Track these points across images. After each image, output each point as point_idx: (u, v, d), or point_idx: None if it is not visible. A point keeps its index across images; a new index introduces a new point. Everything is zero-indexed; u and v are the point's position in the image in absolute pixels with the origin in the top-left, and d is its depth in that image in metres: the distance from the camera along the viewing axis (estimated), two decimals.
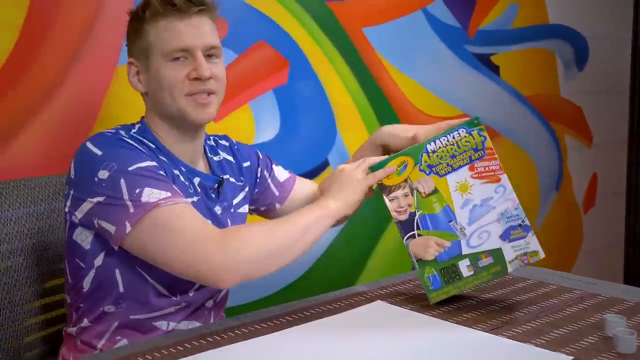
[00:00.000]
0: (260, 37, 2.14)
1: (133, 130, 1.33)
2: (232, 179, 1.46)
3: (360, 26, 2.36)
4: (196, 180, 1.36)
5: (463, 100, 2.68)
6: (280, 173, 1.60)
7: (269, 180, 1.57)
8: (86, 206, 1.22)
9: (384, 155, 1.43)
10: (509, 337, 1.14)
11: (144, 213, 1.16)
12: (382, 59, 2.42)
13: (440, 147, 1.23)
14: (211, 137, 1.52)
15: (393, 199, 1.26)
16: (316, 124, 2.29)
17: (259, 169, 1.55)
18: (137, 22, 1.32)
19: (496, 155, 1.23)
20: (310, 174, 2.23)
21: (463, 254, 1.22)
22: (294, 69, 2.21)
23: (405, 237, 1.25)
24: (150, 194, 1.18)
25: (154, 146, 1.32)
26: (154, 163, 1.24)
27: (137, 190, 1.18)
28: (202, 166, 1.41)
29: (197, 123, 1.33)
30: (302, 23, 2.22)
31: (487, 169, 1.22)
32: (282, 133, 2.20)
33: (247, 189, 1.51)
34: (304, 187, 1.62)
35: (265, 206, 1.58)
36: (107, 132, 1.29)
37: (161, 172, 1.24)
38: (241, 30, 2.09)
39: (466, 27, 2.65)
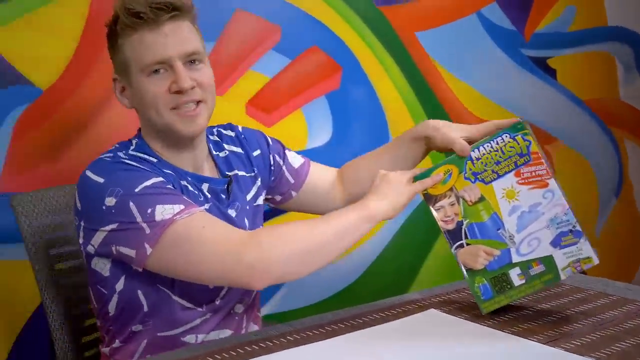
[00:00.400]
0: (313, 42, 2.14)
1: (131, 148, 1.29)
2: (241, 173, 1.40)
3: (413, 30, 2.34)
4: (204, 186, 1.31)
5: (519, 105, 2.63)
6: (294, 159, 1.52)
7: (283, 167, 1.50)
8: (99, 236, 1.18)
9: (424, 149, 1.41)
10: (566, 350, 1.10)
11: (162, 232, 1.13)
12: (435, 63, 2.39)
13: (484, 154, 1.21)
14: (215, 130, 1.45)
15: (439, 209, 1.24)
16: (368, 129, 2.28)
17: (271, 156, 1.48)
18: (112, 37, 1.26)
19: (542, 160, 1.19)
20: None
21: (513, 262, 1.19)
22: (346, 74, 2.21)
23: (454, 247, 1.23)
24: (163, 211, 1.14)
25: (155, 160, 1.28)
26: (160, 178, 1.20)
27: (149, 210, 1.14)
28: (207, 169, 1.35)
29: (187, 136, 1.27)
30: (354, 28, 2.21)
31: (533, 174, 1.18)
32: (334, 138, 2.20)
33: (259, 179, 1.44)
34: (320, 172, 1.54)
35: (280, 195, 1.52)
36: (105, 156, 1.24)
37: (169, 186, 1.20)
38: (294, 36, 2.10)
39: (522, 30, 2.60)
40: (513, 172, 1.19)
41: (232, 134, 1.46)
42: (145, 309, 1.26)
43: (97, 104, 1.79)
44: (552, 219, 1.17)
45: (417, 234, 2.38)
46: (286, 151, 1.52)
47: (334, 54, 2.18)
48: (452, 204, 1.22)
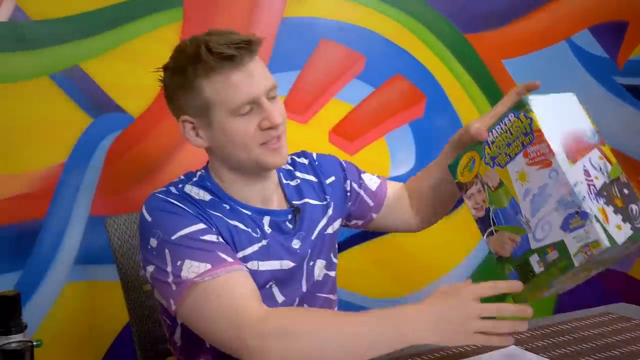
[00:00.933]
0: (397, 70, 2.14)
1: (194, 179, 1.28)
2: (313, 201, 1.37)
3: (500, 58, 2.30)
4: (266, 219, 1.28)
5: (612, 134, 2.51)
6: (371, 181, 1.48)
7: (361, 192, 1.46)
8: (148, 271, 1.20)
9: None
10: None
11: (184, 292, 1.12)
12: None
13: (497, 137, 1.15)
14: (289, 159, 1.41)
15: (470, 196, 1.20)
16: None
17: (347, 182, 1.45)
18: (185, 79, 1.21)
19: (544, 137, 1.09)
20: None
21: (532, 248, 1.11)
22: (430, 102, 2.20)
23: (485, 235, 1.18)
24: (189, 268, 1.13)
25: (208, 199, 1.24)
26: (200, 225, 1.18)
27: (179, 263, 1.14)
28: (275, 200, 1.32)
29: (275, 167, 1.28)
30: (439, 55, 2.20)
31: (538, 153, 1.09)
32: (417, 167, 2.18)
33: (332, 207, 1.39)
34: (396, 190, 1.51)
35: (362, 219, 1.49)
36: (158, 192, 1.24)
37: (205, 238, 1.17)
38: (378, 64, 2.11)
39: (615, 57, 2.52)
40: (522, 152, 1.12)
41: (306, 161, 1.44)
42: (208, 344, 1.23)
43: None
44: (559, 201, 1.07)
45: None
46: (362, 175, 1.49)
47: (418, 82, 2.17)
48: (480, 191, 1.18)
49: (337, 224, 1.41)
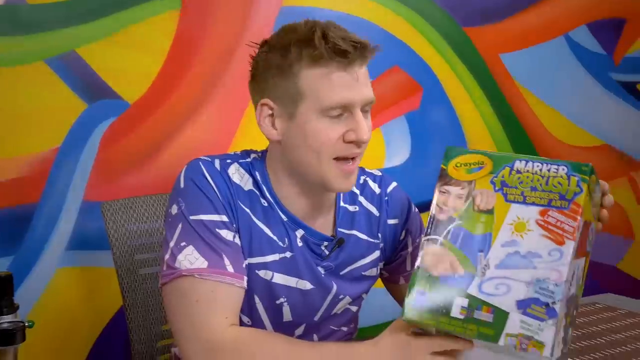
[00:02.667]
0: (395, 62, 2.14)
1: (247, 159, 1.19)
2: (362, 235, 1.24)
3: (497, 52, 2.31)
4: (299, 232, 1.17)
5: (606, 130, 2.54)
6: None
7: (409, 250, 1.30)
8: (164, 233, 1.16)
9: None
10: None
11: (170, 279, 1.09)
12: (519, 86, 2.35)
13: (527, 171, 0.99)
14: (362, 178, 1.29)
15: (444, 192, 1.02)
16: None
17: (404, 231, 1.30)
18: (284, 59, 1.10)
19: (579, 217, 0.95)
20: None
21: (467, 292, 0.96)
22: (427, 94, 2.20)
23: (427, 237, 1.02)
24: (188, 255, 1.08)
25: (250, 188, 1.16)
26: (222, 217, 1.11)
27: (182, 244, 1.09)
28: (320, 221, 1.20)
29: (335, 192, 1.17)
30: (437, 48, 2.20)
31: (558, 223, 0.96)
32: (412, 159, 2.18)
33: (380, 249, 1.27)
34: None
35: (389, 275, 1.34)
36: (202, 160, 1.16)
37: (221, 233, 1.11)
38: (376, 55, 2.09)
39: (611, 53, 2.52)
40: (540, 208, 0.98)
41: (378, 191, 1.28)
42: None
43: (181, 118, 1.85)
44: (538, 280, 0.94)
45: None
46: (422, 235, 1.33)
47: (415, 74, 2.17)
48: (459, 197, 1.01)
49: (377, 269, 1.28)
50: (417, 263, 1.01)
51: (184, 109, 1.85)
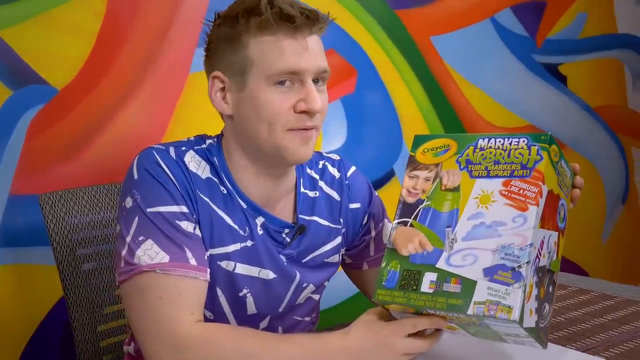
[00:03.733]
0: (329, 45, 2.11)
1: (202, 145, 1.15)
2: (323, 221, 1.22)
3: (428, 34, 2.32)
4: (259, 220, 1.14)
5: (530, 111, 2.62)
6: (387, 232, 1.30)
7: (372, 235, 1.30)
8: (117, 229, 1.10)
9: None
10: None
11: (129, 276, 1.03)
12: (449, 68, 2.38)
13: (490, 147, 1.03)
14: (321, 163, 1.27)
15: (413, 177, 1.06)
16: (383, 134, 2.25)
17: (367, 215, 1.29)
18: (234, 30, 1.08)
19: (540, 183, 0.99)
20: (376, 184, 2.19)
21: (436, 266, 0.99)
22: (361, 77, 2.19)
23: (397, 221, 1.05)
24: (147, 250, 1.03)
25: (208, 175, 1.12)
26: (182, 208, 1.07)
27: (140, 238, 1.04)
28: (280, 207, 1.18)
29: (293, 163, 1.13)
30: (370, 31, 2.19)
31: (521, 191, 0.99)
32: (348, 142, 2.17)
33: (342, 235, 1.25)
34: None
35: (352, 259, 1.32)
36: (155, 149, 1.11)
37: (181, 225, 1.06)
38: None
39: (534, 36, 2.59)
40: (503, 179, 1.01)
41: (337, 175, 1.27)
42: None
43: (113, 104, 1.76)
44: (504, 246, 0.96)
45: None
46: (385, 219, 1.32)
47: (349, 57, 2.15)
48: (427, 179, 1.05)
49: (339, 255, 1.27)
50: (387, 245, 1.04)
51: (116, 94, 1.76)
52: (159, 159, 1.09)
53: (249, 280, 1.14)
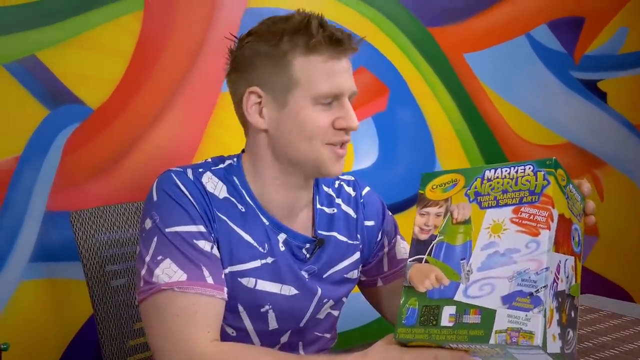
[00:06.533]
0: (360, 63, 2.13)
1: (221, 165, 1.18)
2: (342, 237, 1.25)
3: (461, 51, 2.31)
4: (281, 237, 1.17)
5: (568, 128, 2.58)
6: (401, 249, 1.33)
7: (385, 250, 1.32)
8: (138, 249, 1.13)
9: None
10: None
11: (148, 294, 1.06)
12: (483, 86, 2.36)
13: (497, 177, 1.03)
14: (337, 182, 1.30)
15: (424, 214, 1.06)
16: (415, 152, 2.25)
17: (381, 233, 1.32)
18: (276, 47, 1.11)
19: (550, 207, 0.99)
20: (407, 203, 2.19)
21: (454, 299, 0.99)
22: (393, 95, 2.19)
23: (412, 259, 1.05)
24: (165, 269, 1.05)
25: (225, 195, 1.15)
26: (199, 228, 1.09)
27: (159, 258, 1.06)
28: (300, 220, 1.21)
29: (326, 176, 1.16)
30: (402, 49, 2.19)
31: (531, 217, 0.99)
32: (380, 160, 2.17)
33: (360, 249, 1.28)
34: None
35: (367, 277, 1.34)
36: (174, 171, 1.14)
37: (199, 244, 1.08)
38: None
39: (572, 52, 2.56)
40: (513, 207, 1.01)
41: (353, 193, 1.30)
42: None
43: (146, 123, 1.80)
44: (519, 272, 0.96)
45: None
46: (397, 236, 1.35)
47: (381, 75, 2.16)
48: (438, 215, 1.06)
49: (357, 271, 1.29)
50: (404, 283, 1.04)
51: (149, 113, 1.80)
52: (177, 181, 1.12)
53: (270, 296, 1.15)
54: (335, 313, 1.27)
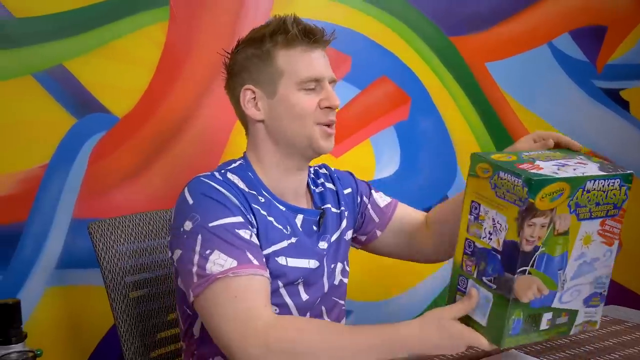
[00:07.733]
0: (382, 72, 2.14)
1: (233, 165, 1.31)
2: (333, 209, 1.42)
3: (483, 61, 2.32)
4: (299, 218, 1.32)
5: (590, 137, 2.57)
6: (380, 198, 1.51)
7: (369, 206, 1.49)
8: (175, 255, 1.20)
9: None
10: None
11: (204, 287, 1.13)
12: (505, 94, 2.36)
13: (594, 189, 1.06)
14: (310, 169, 1.45)
15: (531, 225, 1.03)
16: (437, 161, 2.25)
17: (358, 195, 1.49)
18: (261, 48, 1.29)
19: (622, 219, 1.11)
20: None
21: (552, 306, 1.09)
22: (415, 104, 2.19)
23: (519, 270, 1.05)
24: (216, 260, 1.14)
25: (246, 188, 1.27)
26: (238, 218, 1.19)
27: (207, 252, 1.15)
28: (304, 201, 1.38)
29: (322, 152, 1.31)
30: (424, 58, 2.20)
31: (611, 229, 1.10)
32: (402, 169, 2.18)
33: (346, 217, 1.43)
34: (407, 212, 1.51)
35: (366, 235, 1.50)
36: (203, 176, 1.25)
37: (240, 232, 1.18)
38: (363, 66, 2.10)
39: (594, 61, 2.55)
40: (601, 219, 1.09)
41: (326, 172, 1.49)
42: None
43: (172, 132, 1.82)
44: (597, 277, 1.12)
45: None
46: (372, 191, 1.53)
47: (403, 84, 2.17)
48: (543, 226, 1.04)
49: (349, 234, 1.45)
50: (510, 296, 1.07)
51: (174, 122, 1.82)
52: (210, 182, 1.23)
53: (300, 271, 1.28)
54: (345, 281, 1.43)
